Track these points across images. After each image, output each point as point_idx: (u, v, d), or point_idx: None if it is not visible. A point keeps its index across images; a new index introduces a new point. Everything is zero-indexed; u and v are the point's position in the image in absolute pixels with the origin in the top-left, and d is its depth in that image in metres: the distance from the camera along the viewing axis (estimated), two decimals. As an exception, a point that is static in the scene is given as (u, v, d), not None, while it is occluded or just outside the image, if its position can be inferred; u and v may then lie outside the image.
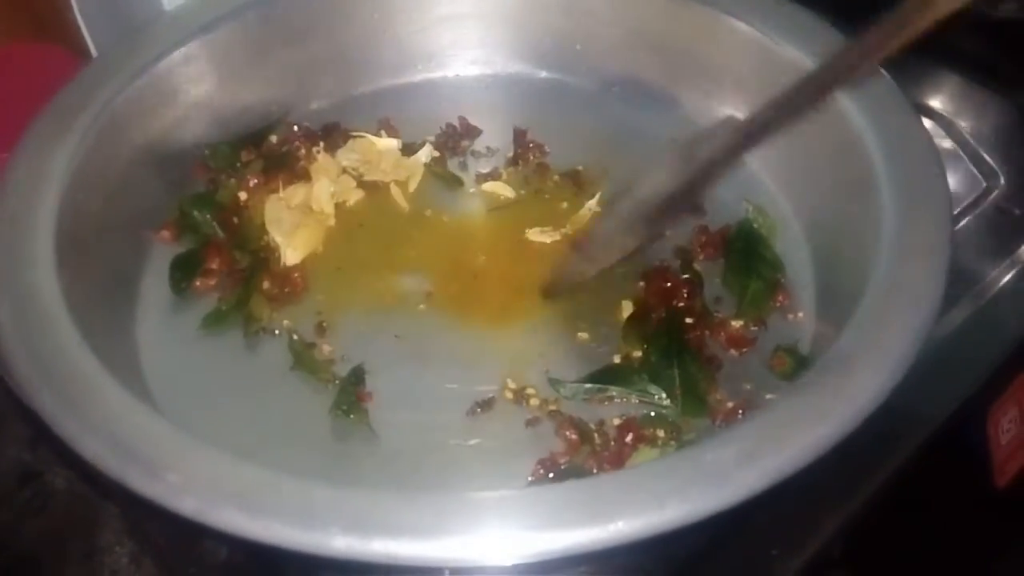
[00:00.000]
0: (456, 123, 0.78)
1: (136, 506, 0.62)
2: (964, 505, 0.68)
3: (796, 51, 0.70)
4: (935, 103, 0.83)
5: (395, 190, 0.74)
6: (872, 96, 0.66)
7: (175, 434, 0.48)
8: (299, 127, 0.77)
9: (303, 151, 0.75)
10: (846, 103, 0.65)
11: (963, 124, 0.81)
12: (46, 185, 0.60)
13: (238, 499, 0.45)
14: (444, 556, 0.45)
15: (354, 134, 0.76)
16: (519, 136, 0.77)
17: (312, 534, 0.44)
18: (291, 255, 0.68)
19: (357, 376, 0.62)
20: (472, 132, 0.78)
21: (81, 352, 0.52)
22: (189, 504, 0.45)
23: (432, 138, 0.78)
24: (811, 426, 0.48)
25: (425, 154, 0.76)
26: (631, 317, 0.65)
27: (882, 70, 0.67)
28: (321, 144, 0.75)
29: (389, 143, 0.76)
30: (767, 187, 0.72)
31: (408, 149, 0.77)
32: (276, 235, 0.69)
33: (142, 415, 0.49)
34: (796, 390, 0.50)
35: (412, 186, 0.75)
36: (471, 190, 0.75)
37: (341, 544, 0.44)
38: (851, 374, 0.50)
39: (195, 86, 0.72)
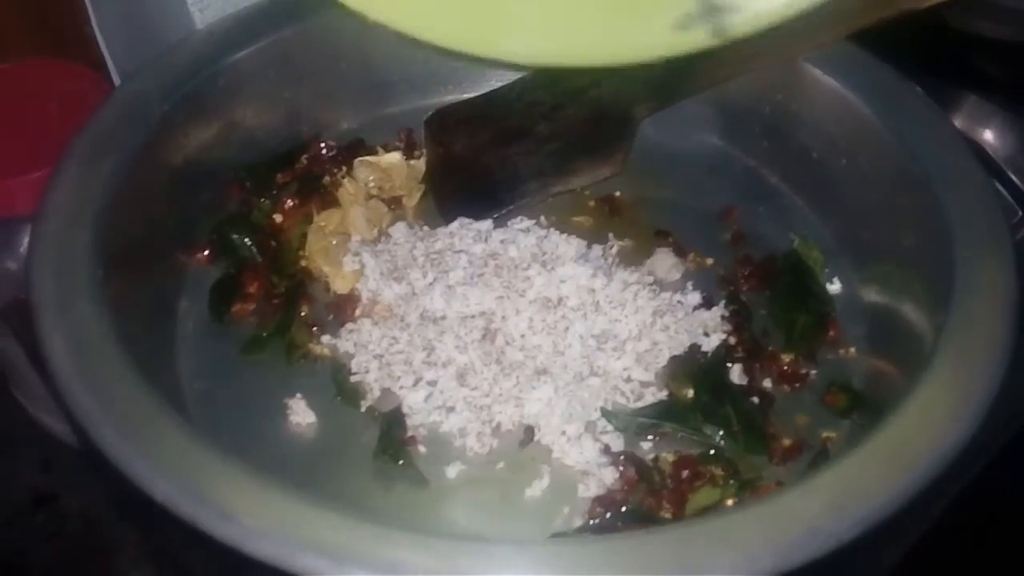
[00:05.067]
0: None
1: (172, 542, 0.61)
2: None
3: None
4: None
5: (406, 205, 0.73)
6: (921, 126, 0.65)
7: (249, 475, 0.46)
8: (326, 147, 0.75)
9: (327, 178, 0.73)
10: (895, 134, 0.65)
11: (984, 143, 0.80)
12: (89, 208, 0.58)
13: (316, 545, 0.44)
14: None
15: (362, 158, 0.74)
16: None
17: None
18: (340, 284, 0.67)
19: (396, 420, 0.60)
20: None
21: (142, 388, 0.50)
22: (267, 549, 0.43)
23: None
24: (899, 474, 0.47)
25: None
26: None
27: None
28: (344, 168, 0.74)
29: (392, 157, 0.75)
30: (813, 219, 0.72)
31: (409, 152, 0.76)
32: (324, 265, 0.67)
33: (213, 454, 0.47)
34: (878, 436, 0.49)
35: (413, 202, 0.73)
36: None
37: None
38: (935, 421, 0.49)
39: (229, 105, 0.70)
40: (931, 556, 0.64)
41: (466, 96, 0.79)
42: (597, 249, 0.69)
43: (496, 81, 0.78)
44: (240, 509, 0.45)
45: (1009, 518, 0.70)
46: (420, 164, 0.75)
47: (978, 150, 0.77)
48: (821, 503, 0.46)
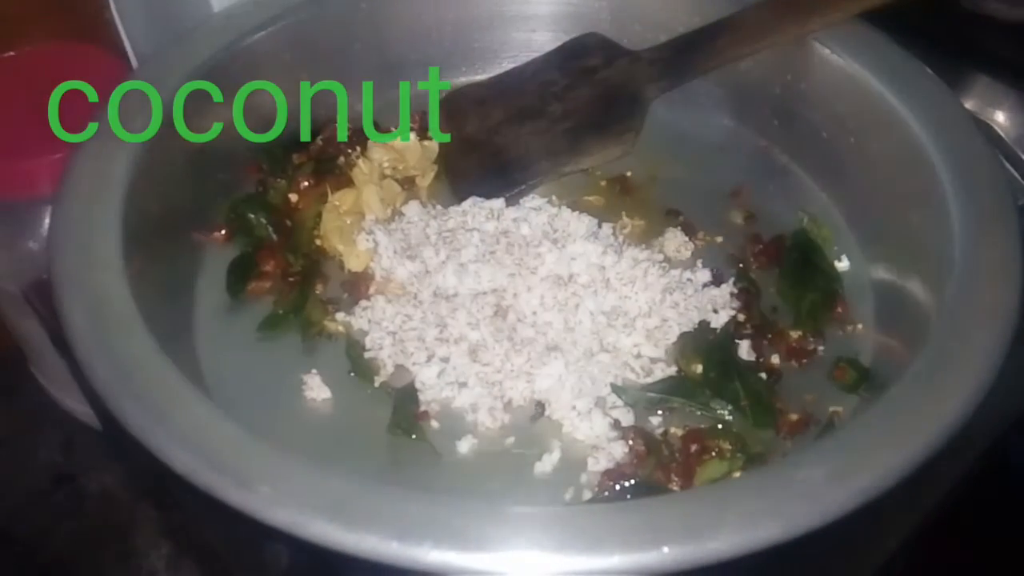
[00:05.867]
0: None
1: (189, 513, 0.62)
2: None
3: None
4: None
5: (419, 185, 0.74)
6: (930, 105, 0.66)
7: (264, 445, 0.47)
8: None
9: (342, 158, 0.74)
10: (903, 113, 0.66)
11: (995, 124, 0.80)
12: (109, 187, 0.60)
13: (331, 511, 0.45)
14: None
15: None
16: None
17: (407, 548, 0.44)
18: (354, 262, 0.68)
19: (409, 395, 0.61)
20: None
21: (160, 360, 0.51)
22: (282, 516, 0.44)
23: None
24: (901, 444, 0.48)
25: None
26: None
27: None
28: (359, 149, 0.74)
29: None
30: (821, 198, 0.72)
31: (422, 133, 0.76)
32: (338, 244, 0.68)
33: (229, 425, 0.48)
34: (881, 408, 0.50)
35: (426, 182, 0.74)
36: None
37: (435, 558, 0.44)
38: (936, 393, 0.50)
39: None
40: (935, 538, 0.64)
41: (479, 77, 0.80)
42: (608, 227, 0.69)
43: (509, 63, 0.79)
44: (256, 477, 0.46)
45: (1014, 499, 0.70)
46: (433, 145, 0.76)
47: (989, 131, 0.77)
48: (824, 472, 0.47)
